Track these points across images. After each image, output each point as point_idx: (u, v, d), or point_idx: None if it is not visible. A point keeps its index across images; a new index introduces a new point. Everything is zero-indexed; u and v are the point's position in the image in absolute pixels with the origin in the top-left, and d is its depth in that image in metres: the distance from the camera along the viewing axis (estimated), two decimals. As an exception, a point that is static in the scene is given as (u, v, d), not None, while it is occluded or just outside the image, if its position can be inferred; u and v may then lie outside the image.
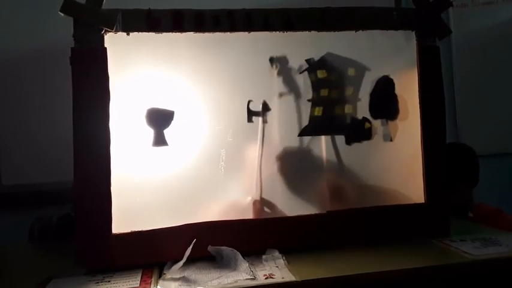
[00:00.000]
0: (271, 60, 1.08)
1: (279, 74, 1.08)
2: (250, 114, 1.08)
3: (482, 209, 1.55)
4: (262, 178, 1.08)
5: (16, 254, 1.20)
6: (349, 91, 1.12)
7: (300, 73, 1.10)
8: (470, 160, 1.55)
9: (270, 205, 1.08)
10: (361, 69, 1.12)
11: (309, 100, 1.11)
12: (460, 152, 1.55)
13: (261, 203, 1.08)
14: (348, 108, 1.12)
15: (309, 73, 1.10)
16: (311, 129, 1.11)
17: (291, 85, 1.10)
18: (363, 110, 1.13)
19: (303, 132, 1.10)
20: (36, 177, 1.70)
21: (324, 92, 1.11)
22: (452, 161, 1.46)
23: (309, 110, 1.11)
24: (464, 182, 1.53)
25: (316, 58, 1.10)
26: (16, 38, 1.69)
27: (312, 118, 1.11)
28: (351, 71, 1.12)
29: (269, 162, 1.09)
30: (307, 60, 1.10)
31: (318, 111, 1.10)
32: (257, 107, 1.08)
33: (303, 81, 1.11)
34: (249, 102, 1.07)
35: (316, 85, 1.11)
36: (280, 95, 1.09)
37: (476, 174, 1.56)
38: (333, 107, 1.11)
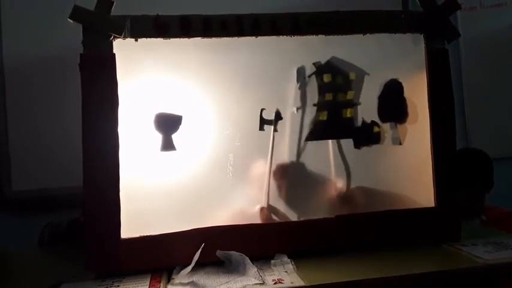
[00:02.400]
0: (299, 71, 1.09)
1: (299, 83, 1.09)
2: (263, 122, 1.08)
3: (494, 211, 1.53)
4: (271, 185, 1.08)
5: (26, 258, 1.21)
6: (351, 95, 1.12)
7: (309, 77, 1.10)
8: (485, 165, 1.54)
9: (277, 212, 1.08)
10: (362, 74, 1.12)
11: (314, 104, 1.10)
12: (475, 157, 1.55)
13: (268, 210, 1.07)
14: (350, 112, 1.11)
15: (316, 77, 1.10)
16: (317, 133, 1.10)
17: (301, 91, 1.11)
18: (371, 113, 1.12)
19: (309, 137, 1.10)
20: (46, 182, 1.71)
21: (328, 96, 1.10)
22: (468, 166, 1.47)
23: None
24: (479, 187, 1.52)
25: (323, 62, 1.10)
26: (26, 44, 1.71)
27: (317, 122, 1.10)
28: (352, 75, 1.11)
29: (277, 169, 1.09)
30: (315, 64, 1.10)
31: (323, 115, 1.10)
32: (269, 114, 1.08)
33: (310, 86, 1.11)
34: (262, 110, 1.07)
35: (322, 89, 1.10)
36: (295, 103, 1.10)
37: (491, 179, 1.55)
38: (338, 111, 1.11)
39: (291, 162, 1.10)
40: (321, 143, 1.12)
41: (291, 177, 1.10)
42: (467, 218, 1.44)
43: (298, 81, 1.09)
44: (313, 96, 1.11)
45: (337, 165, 1.12)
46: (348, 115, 1.11)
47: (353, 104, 1.12)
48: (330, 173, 1.12)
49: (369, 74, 1.11)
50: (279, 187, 1.09)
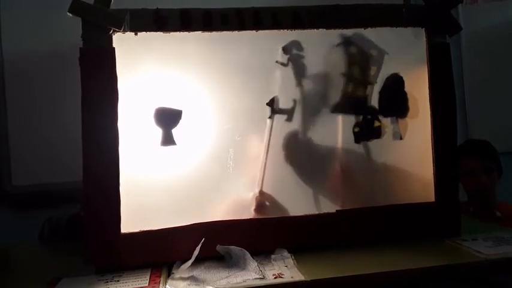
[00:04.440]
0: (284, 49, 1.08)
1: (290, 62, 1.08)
2: (274, 112, 1.08)
3: (506, 207, 1.53)
4: (270, 174, 1.08)
5: (26, 253, 1.21)
6: (374, 70, 1.11)
7: (336, 46, 1.09)
8: (495, 150, 1.57)
9: (270, 198, 1.08)
10: (382, 52, 1.12)
11: (343, 74, 1.10)
12: (485, 143, 1.58)
13: (261, 196, 1.07)
14: (370, 89, 1.11)
15: (343, 48, 1.10)
16: (342, 106, 1.10)
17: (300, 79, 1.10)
18: (372, 108, 1.12)
19: (335, 109, 1.10)
20: (46, 177, 1.71)
21: (355, 69, 1.11)
22: (486, 149, 1.50)
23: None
24: (496, 167, 1.54)
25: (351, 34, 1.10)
26: (25, 38, 1.70)
27: (345, 95, 1.10)
28: (373, 52, 1.11)
29: (276, 159, 1.09)
30: (342, 35, 1.10)
31: (353, 88, 1.10)
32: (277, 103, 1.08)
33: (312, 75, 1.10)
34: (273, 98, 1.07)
35: (347, 60, 1.10)
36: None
37: (500, 164, 1.57)
38: (359, 87, 1.11)
39: (291, 152, 1.10)
40: (322, 135, 1.11)
41: (291, 166, 1.10)
42: (481, 211, 1.46)
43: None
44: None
45: (338, 158, 1.12)
46: (368, 91, 1.11)
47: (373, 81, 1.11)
48: (330, 166, 1.12)
49: (388, 53, 1.11)
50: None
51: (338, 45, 1.09)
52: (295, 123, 1.10)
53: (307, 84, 1.10)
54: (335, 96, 1.10)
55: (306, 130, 1.10)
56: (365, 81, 1.11)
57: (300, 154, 1.11)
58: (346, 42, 1.09)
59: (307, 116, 1.10)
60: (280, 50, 1.08)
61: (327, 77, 1.11)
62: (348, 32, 1.09)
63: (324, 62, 1.10)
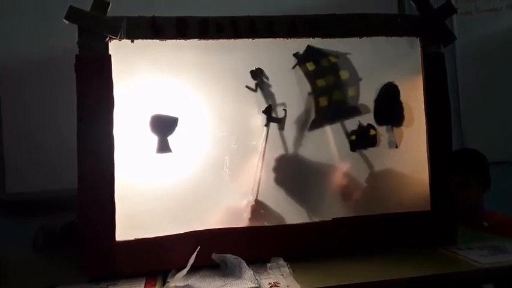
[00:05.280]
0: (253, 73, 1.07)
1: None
2: (270, 120, 1.08)
3: (497, 217, 1.53)
4: (266, 182, 1.07)
5: (20, 262, 1.20)
6: (345, 75, 1.11)
7: (292, 68, 1.09)
8: (481, 161, 1.57)
9: (265, 207, 1.08)
10: (343, 54, 1.11)
11: (310, 93, 1.10)
12: (471, 154, 1.58)
13: (257, 204, 1.07)
14: (352, 91, 1.11)
15: (300, 67, 1.10)
16: (320, 121, 1.10)
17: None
18: (368, 116, 1.12)
19: (313, 126, 1.10)
20: (40, 185, 1.70)
21: (321, 82, 1.10)
22: (464, 162, 1.50)
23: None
24: (477, 181, 1.54)
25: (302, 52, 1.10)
26: (21, 45, 1.70)
27: (318, 109, 1.10)
28: (333, 59, 1.11)
29: (271, 166, 1.09)
30: (295, 55, 1.09)
31: (323, 101, 1.09)
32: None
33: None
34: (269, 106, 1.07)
35: (311, 77, 1.10)
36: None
37: (488, 175, 1.57)
38: (334, 93, 1.11)
39: (286, 160, 1.10)
40: (318, 142, 1.11)
41: (286, 175, 1.10)
42: (470, 223, 1.46)
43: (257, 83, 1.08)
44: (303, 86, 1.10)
45: (333, 167, 1.12)
46: (351, 94, 1.11)
47: (353, 83, 1.11)
48: (325, 174, 1.12)
49: (351, 54, 1.11)
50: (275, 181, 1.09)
51: (294, 67, 1.09)
52: (287, 139, 1.10)
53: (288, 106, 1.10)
54: (310, 114, 1.11)
55: (296, 148, 1.10)
56: (339, 86, 1.11)
57: (292, 171, 1.10)
58: (301, 61, 1.09)
59: (294, 134, 1.10)
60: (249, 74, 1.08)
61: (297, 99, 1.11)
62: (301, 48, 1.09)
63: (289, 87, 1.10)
